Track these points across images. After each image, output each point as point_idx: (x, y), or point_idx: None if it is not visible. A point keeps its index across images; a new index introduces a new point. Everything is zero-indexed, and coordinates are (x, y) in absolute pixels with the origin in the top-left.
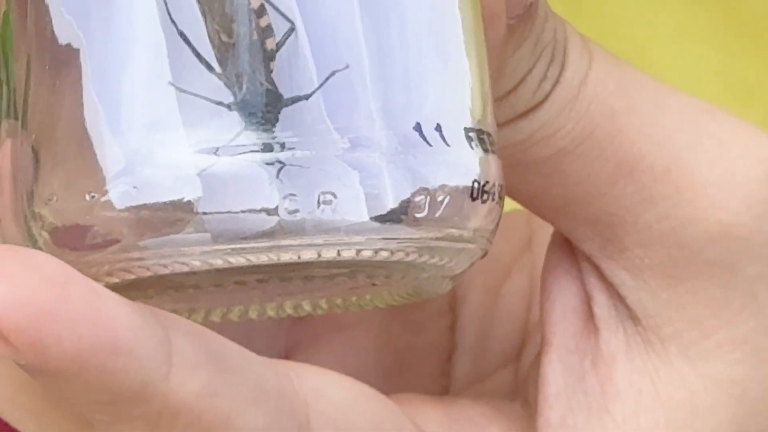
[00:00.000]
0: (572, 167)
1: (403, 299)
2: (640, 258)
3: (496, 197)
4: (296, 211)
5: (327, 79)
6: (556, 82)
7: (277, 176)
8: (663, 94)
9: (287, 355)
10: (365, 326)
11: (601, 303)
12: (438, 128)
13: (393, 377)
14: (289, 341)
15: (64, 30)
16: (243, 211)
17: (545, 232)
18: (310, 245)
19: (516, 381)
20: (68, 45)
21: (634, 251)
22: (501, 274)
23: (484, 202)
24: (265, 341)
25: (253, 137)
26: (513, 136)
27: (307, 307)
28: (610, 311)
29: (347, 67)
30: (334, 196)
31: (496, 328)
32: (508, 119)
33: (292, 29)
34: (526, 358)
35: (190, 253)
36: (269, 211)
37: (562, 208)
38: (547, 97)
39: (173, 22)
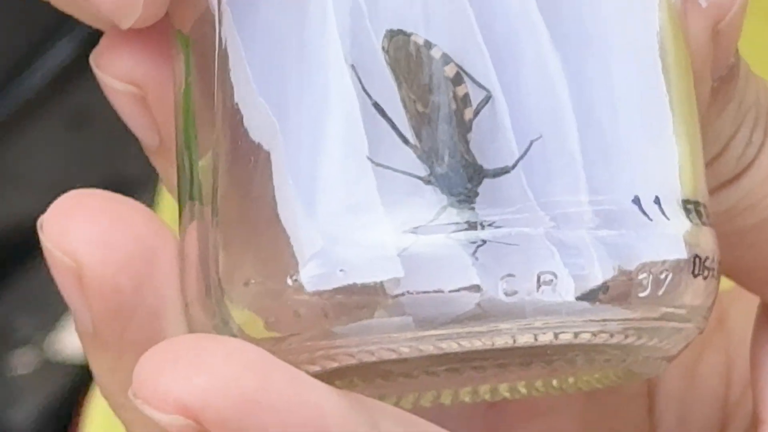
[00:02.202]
0: None
1: (610, 381)
2: None
3: (715, 272)
4: (515, 292)
5: (527, 149)
6: (762, 146)
7: (484, 255)
8: None
9: None
10: (564, 411)
11: None
12: (657, 201)
13: None
14: (485, 427)
15: (256, 111)
16: (449, 292)
17: (736, 310)
18: (527, 328)
19: None
20: (260, 125)
21: None
22: (694, 354)
23: (705, 278)
24: (459, 427)
25: (454, 214)
26: (716, 205)
27: (504, 391)
28: None
29: (548, 136)
30: (555, 276)
31: (695, 410)
32: (711, 188)
33: (489, 97)
34: None
35: (398, 339)
36: (480, 292)
37: None
38: (752, 163)
39: (367, 93)
